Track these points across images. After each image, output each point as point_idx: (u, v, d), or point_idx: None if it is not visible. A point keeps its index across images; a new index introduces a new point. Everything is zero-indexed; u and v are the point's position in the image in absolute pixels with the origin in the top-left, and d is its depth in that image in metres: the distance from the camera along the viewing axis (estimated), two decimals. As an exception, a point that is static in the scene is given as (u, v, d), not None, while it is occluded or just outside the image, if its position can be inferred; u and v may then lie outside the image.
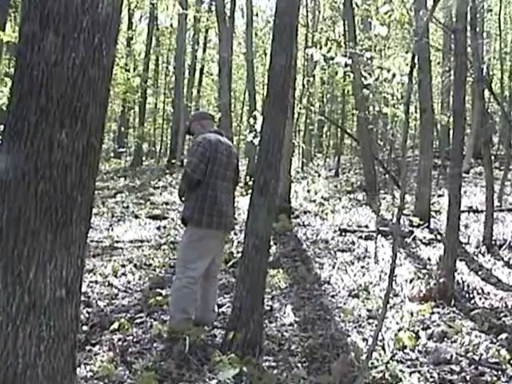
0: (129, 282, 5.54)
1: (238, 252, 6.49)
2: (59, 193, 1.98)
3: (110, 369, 3.22)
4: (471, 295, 5.14)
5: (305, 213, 10.51)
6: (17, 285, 1.94)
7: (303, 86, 17.14)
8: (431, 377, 3.28)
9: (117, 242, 7.61)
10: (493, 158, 9.86)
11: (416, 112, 13.01)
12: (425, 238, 7.74)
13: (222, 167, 4.05)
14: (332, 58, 7.46)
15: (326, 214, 10.15)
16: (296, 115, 14.44)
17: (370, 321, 4.42)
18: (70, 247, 2.03)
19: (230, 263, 6.25)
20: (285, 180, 9.38)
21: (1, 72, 13.10)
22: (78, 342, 2.45)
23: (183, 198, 4.14)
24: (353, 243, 7.70)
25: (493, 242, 7.08)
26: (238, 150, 20.24)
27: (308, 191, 13.21)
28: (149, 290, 5.16)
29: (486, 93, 11.16)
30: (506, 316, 4.49)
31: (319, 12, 20.75)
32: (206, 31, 24.97)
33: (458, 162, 5.43)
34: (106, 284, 5.41)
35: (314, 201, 11.93)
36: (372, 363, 3.30)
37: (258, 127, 8.28)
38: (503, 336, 3.91)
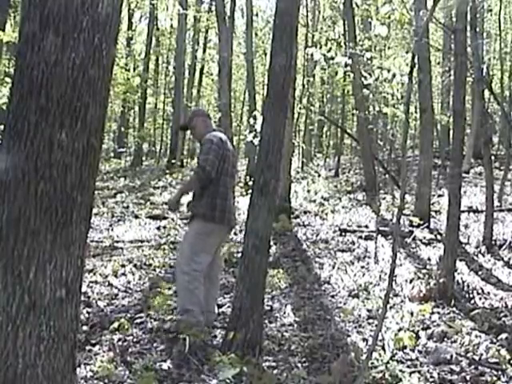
0: (129, 282, 5.54)
1: (238, 252, 6.48)
2: (59, 193, 1.98)
3: (109, 369, 3.22)
4: (471, 295, 5.14)
5: (305, 213, 10.51)
6: (17, 285, 1.94)
7: (303, 85, 17.14)
8: (431, 377, 3.28)
9: (117, 242, 7.61)
10: (493, 158, 9.86)
11: (416, 112, 13.03)
12: (425, 238, 7.74)
13: (230, 165, 4.16)
14: (332, 58, 7.46)
15: (326, 214, 10.16)
16: (296, 115, 14.44)
17: (370, 321, 4.42)
18: (70, 247, 2.03)
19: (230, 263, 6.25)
20: (285, 180, 9.38)
21: (1, 72, 13.10)
22: (78, 342, 2.45)
23: (187, 199, 4.14)
24: (353, 243, 7.70)
25: (493, 242, 7.08)
26: (238, 150, 20.26)
27: (308, 191, 13.22)
28: (149, 290, 5.16)
29: (486, 93, 11.16)
30: (505, 316, 4.48)
31: (319, 12, 20.74)
32: (206, 31, 24.97)
33: (458, 161, 5.43)
34: (106, 284, 5.41)
35: (314, 201, 11.93)
36: (372, 363, 3.29)
37: (257, 127, 8.28)
38: (503, 336, 3.91)
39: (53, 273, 1.98)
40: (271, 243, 4.26)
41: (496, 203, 8.49)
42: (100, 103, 2.08)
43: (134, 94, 21.64)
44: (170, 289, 4.75)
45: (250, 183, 6.71)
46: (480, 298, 5.08)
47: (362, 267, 6.37)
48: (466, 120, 14.70)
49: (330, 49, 7.23)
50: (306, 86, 17.30)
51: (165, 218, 9.78)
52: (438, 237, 7.75)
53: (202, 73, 25.81)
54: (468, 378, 3.26)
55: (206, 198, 4.00)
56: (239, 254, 4.51)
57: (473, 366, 3.43)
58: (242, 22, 23.21)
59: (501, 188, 10.16)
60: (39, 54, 1.95)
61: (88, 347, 3.67)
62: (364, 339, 3.99)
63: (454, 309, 4.68)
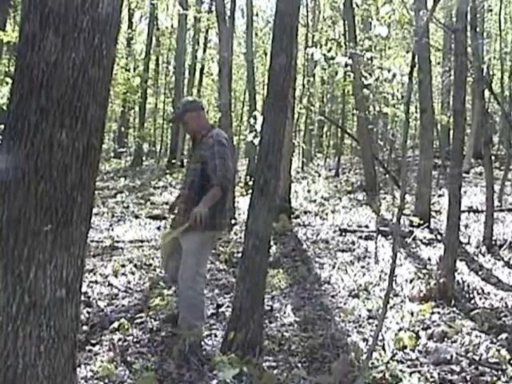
0: (129, 282, 5.54)
1: (238, 252, 6.48)
2: (59, 193, 1.98)
3: (110, 369, 3.22)
4: (471, 295, 5.14)
5: (305, 213, 10.51)
6: (17, 285, 1.94)
7: (303, 85, 17.14)
8: (431, 377, 3.28)
9: (117, 242, 7.60)
10: (493, 158, 9.86)
11: (416, 112, 13.01)
12: (425, 237, 7.74)
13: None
14: (332, 58, 7.45)
15: (326, 214, 10.15)
16: (296, 115, 14.45)
17: (370, 321, 4.42)
18: (70, 247, 2.03)
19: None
20: (285, 180, 9.38)
21: (1, 72, 13.10)
22: (78, 342, 2.45)
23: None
24: (353, 243, 7.70)
25: (493, 242, 7.08)
26: (238, 149, 20.23)
27: (308, 191, 13.22)
28: (149, 290, 5.16)
29: (486, 93, 11.15)
30: (506, 316, 4.48)
31: (319, 12, 20.75)
32: (206, 31, 24.95)
33: (458, 161, 5.43)
34: (106, 284, 5.41)
35: (314, 201, 11.93)
36: (372, 363, 3.29)
37: (258, 127, 8.27)
38: (503, 336, 3.91)
39: (53, 273, 1.98)
40: (271, 243, 4.26)
41: (496, 203, 8.49)
42: (100, 103, 2.08)
43: (134, 94, 21.65)
44: (170, 288, 4.75)
45: (250, 183, 6.71)
46: (480, 298, 5.08)
47: (362, 267, 6.37)
48: (466, 120, 14.70)
49: (330, 49, 7.23)
50: (306, 86, 17.30)
51: (165, 218, 9.77)
52: (438, 237, 7.75)
53: (202, 73, 25.79)
54: (468, 378, 3.26)
55: (215, 206, 3.70)
56: (239, 254, 4.51)
57: (473, 366, 3.43)
58: (243, 22, 23.22)
59: (501, 188, 10.16)
60: (39, 54, 1.95)
61: (88, 347, 3.68)
62: (364, 339, 3.99)
63: (454, 309, 4.68)
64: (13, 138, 1.98)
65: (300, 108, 16.37)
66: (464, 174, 9.98)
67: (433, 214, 8.99)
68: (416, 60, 4.25)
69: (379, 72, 7.89)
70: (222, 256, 6.64)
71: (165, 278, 4.09)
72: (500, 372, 3.34)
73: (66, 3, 1.96)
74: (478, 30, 9.23)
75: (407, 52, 12.04)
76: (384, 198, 11.40)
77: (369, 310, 4.65)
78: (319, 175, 16.40)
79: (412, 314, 4.47)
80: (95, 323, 4.17)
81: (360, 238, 7.99)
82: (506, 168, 11.11)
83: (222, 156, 3.68)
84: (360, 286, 5.44)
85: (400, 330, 4.04)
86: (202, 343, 3.72)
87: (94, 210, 8.04)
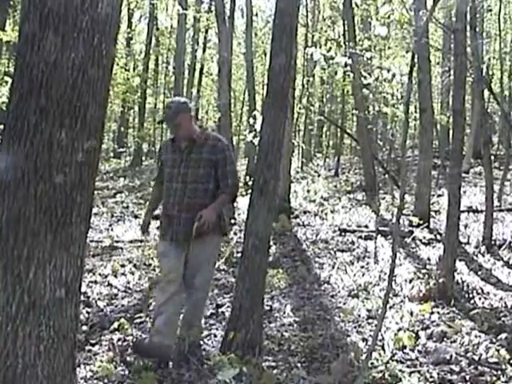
0: (128, 282, 5.54)
1: (237, 252, 6.48)
2: (59, 193, 1.98)
3: (109, 369, 3.22)
4: (471, 295, 5.14)
5: (304, 213, 10.51)
6: (16, 285, 1.94)
7: (303, 85, 17.14)
8: (431, 377, 3.28)
9: (116, 241, 7.60)
10: (492, 157, 9.87)
11: (416, 112, 13.01)
12: (424, 237, 7.74)
13: None
14: (332, 58, 7.46)
15: (326, 214, 10.15)
16: (296, 115, 14.43)
17: (370, 321, 4.42)
18: (70, 247, 2.03)
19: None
20: (284, 180, 9.38)
21: (0, 71, 13.09)
22: (78, 341, 2.45)
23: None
24: (352, 243, 7.70)
25: (492, 242, 7.08)
26: (237, 149, 20.24)
27: (308, 191, 13.21)
28: (149, 290, 5.16)
29: (486, 93, 11.16)
30: (505, 316, 4.49)
31: (319, 12, 20.75)
32: (206, 31, 24.93)
33: (458, 161, 5.43)
34: (106, 284, 5.41)
35: (314, 201, 11.93)
36: (372, 363, 3.29)
37: (257, 127, 8.28)
38: (503, 336, 3.91)
39: (52, 273, 1.98)
40: (271, 243, 4.26)
41: (496, 203, 8.49)
42: (100, 103, 2.08)
43: (134, 94, 21.63)
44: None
45: (250, 183, 6.71)
46: (480, 298, 5.08)
47: (362, 267, 6.37)
48: (466, 120, 14.68)
49: (330, 49, 7.25)
50: (306, 86, 17.30)
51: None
52: (438, 237, 7.75)
53: (201, 73, 25.77)
54: (468, 377, 3.26)
55: (221, 214, 3.62)
56: (239, 254, 4.51)
57: (472, 366, 3.43)
58: (242, 21, 23.20)
59: (500, 188, 10.16)
60: (39, 54, 1.95)
61: (88, 347, 3.68)
62: (364, 339, 3.99)
63: (454, 309, 4.69)
64: (12, 138, 1.98)
65: (299, 108, 16.37)
66: (463, 174, 9.97)
67: (432, 213, 8.99)
68: (415, 60, 4.25)
69: (379, 72, 7.90)
70: (221, 256, 6.64)
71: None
72: (499, 372, 3.34)
73: (66, 3, 1.96)
74: (477, 29, 9.23)
75: (407, 52, 12.06)
76: (383, 198, 11.40)
77: (368, 310, 4.65)
78: (319, 175, 16.40)
79: (411, 313, 4.47)
80: (95, 323, 4.18)
81: (359, 237, 7.99)
82: (505, 168, 11.12)
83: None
84: (359, 285, 5.45)
85: (399, 329, 4.04)
86: (202, 343, 3.72)
87: (94, 210, 8.03)
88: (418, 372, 3.32)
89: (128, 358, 3.48)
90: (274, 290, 5.33)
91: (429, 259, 6.67)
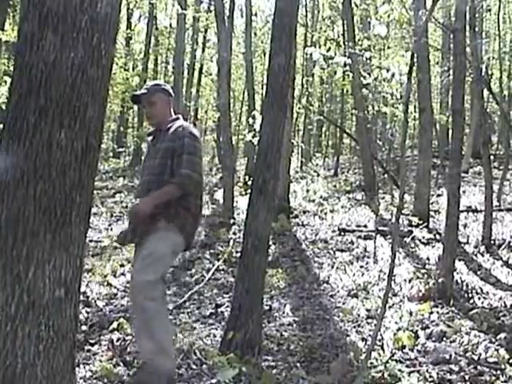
0: (128, 282, 5.53)
1: (237, 252, 6.48)
2: (58, 193, 1.98)
3: (109, 368, 3.22)
4: (470, 295, 5.14)
5: (304, 212, 10.51)
6: (16, 284, 1.94)
7: (302, 85, 17.14)
8: (430, 376, 3.28)
9: (116, 241, 7.59)
10: (492, 157, 9.88)
11: (415, 112, 13.02)
12: (424, 237, 7.74)
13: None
14: (331, 58, 7.47)
15: (325, 214, 10.16)
16: (295, 115, 14.42)
17: (369, 320, 4.42)
18: (69, 247, 2.03)
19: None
20: (284, 180, 9.38)
21: (0, 71, 13.08)
22: (77, 341, 2.45)
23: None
24: (352, 243, 7.70)
25: (492, 242, 7.09)
26: (237, 149, 20.23)
27: (307, 191, 13.21)
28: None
29: (485, 92, 11.16)
30: (504, 316, 4.49)
31: (318, 11, 20.74)
32: (205, 31, 24.93)
33: (457, 161, 5.43)
34: (105, 284, 5.41)
35: (313, 200, 11.93)
36: (371, 363, 3.30)
37: (257, 127, 8.28)
38: (502, 335, 3.91)
39: (52, 272, 1.98)
40: (270, 243, 4.26)
41: (495, 203, 8.50)
42: (99, 103, 2.07)
43: (133, 94, 21.58)
44: (169, 288, 4.75)
45: (249, 183, 6.71)
46: (479, 298, 5.08)
47: (361, 267, 6.37)
48: (465, 120, 14.70)
49: (329, 48, 7.25)
50: (305, 86, 17.30)
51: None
52: (437, 236, 7.76)
53: (201, 72, 25.76)
54: (467, 377, 3.26)
55: (178, 207, 3.08)
56: (238, 254, 4.51)
57: (472, 366, 3.43)
58: (242, 21, 23.20)
59: (500, 188, 10.17)
60: (38, 54, 1.95)
61: (87, 347, 3.67)
62: (363, 339, 3.99)
63: (453, 308, 4.69)
64: (12, 138, 1.98)
65: (299, 108, 16.36)
66: (463, 174, 9.97)
67: (432, 213, 9.00)
68: (415, 59, 4.25)
69: (378, 71, 7.90)
70: (220, 255, 6.64)
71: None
72: (499, 371, 3.34)
73: (65, 3, 1.96)
74: (476, 29, 9.23)
75: (406, 51, 12.03)
76: (383, 198, 11.41)
77: (368, 310, 4.66)
78: (318, 175, 16.40)
79: (411, 313, 4.47)
80: (94, 323, 4.17)
81: (359, 237, 7.99)
82: (504, 168, 11.12)
83: (192, 152, 3.07)
84: (359, 285, 5.45)
85: (399, 329, 4.04)
86: (202, 343, 3.71)
87: (93, 210, 8.03)
88: (418, 372, 3.32)
89: (127, 358, 3.48)
90: (273, 289, 5.33)
91: (428, 259, 6.67)
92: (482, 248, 6.97)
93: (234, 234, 8.01)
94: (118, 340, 3.78)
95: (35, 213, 1.95)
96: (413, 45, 9.33)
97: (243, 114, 23.18)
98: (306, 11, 18.30)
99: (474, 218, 8.99)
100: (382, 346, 3.71)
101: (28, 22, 1.97)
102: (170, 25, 24.20)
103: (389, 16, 6.55)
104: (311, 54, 7.14)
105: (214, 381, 3.14)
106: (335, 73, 11.50)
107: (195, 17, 20.08)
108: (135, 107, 25.91)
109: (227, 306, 4.60)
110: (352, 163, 19.67)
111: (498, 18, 13.82)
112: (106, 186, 15.11)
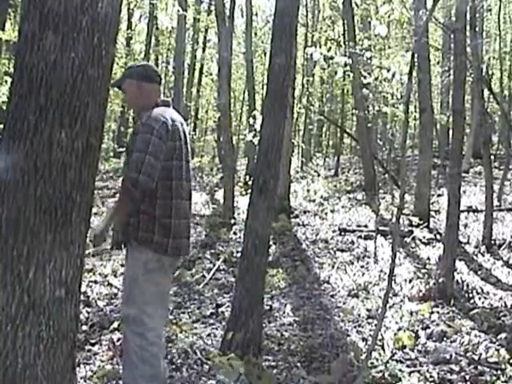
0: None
1: (237, 252, 6.48)
2: (58, 193, 1.98)
3: (109, 368, 3.22)
4: (471, 295, 5.14)
5: (304, 212, 10.51)
6: (16, 284, 1.94)
7: (303, 85, 17.13)
8: (431, 376, 3.28)
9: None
10: (492, 157, 9.87)
11: (415, 111, 13.01)
12: (424, 237, 7.74)
13: (183, 160, 2.79)
14: (331, 58, 7.47)
15: (326, 214, 10.15)
16: (295, 115, 14.44)
17: (370, 320, 4.42)
18: (70, 247, 2.02)
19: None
20: (284, 180, 9.37)
21: (0, 71, 13.09)
22: (78, 341, 2.45)
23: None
24: (352, 243, 7.70)
25: (492, 242, 7.09)
26: (237, 149, 20.23)
27: (307, 191, 13.21)
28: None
29: (486, 92, 11.16)
30: (505, 316, 4.49)
31: (319, 11, 20.74)
32: (206, 31, 24.93)
33: (458, 161, 5.43)
34: (106, 284, 5.41)
35: (314, 200, 11.93)
36: (371, 363, 3.30)
37: (257, 127, 8.28)
38: (502, 335, 3.91)
39: (52, 272, 1.98)
40: (271, 243, 4.26)
41: (495, 203, 8.50)
42: (99, 103, 2.07)
43: (134, 94, 21.58)
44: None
45: (250, 183, 6.71)
46: (479, 298, 5.08)
47: (362, 267, 6.37)
48: (466, 120, 14.69)
49: (330, 48, 7.25)
50: (306, 86, 17.30)
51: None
52: (438, 236, 7.76)
53: (201, 72, 25.78)
54: (467, 377, 3.26)
55: (151, 218, 2.68)
56: (238, 254, 4.51)
57: (472, 366, 3.43)
58: (242, 21, 23.20)
59: (500, 187, 10.16)
60: (38, 54, 1.95)
61: (87, 347, 3.68)
62: (363, 339, 3.99)
63: (454, 308, 4.69)
64: (12, 138, 1.97)
65: (299, 108, 16.37)
66: (463, 174, 9.97)
67: (432, 213, 8.99)
68: (415, 59, 4.25)
69: (378, 71, 7.90)
70: (221, 255, 6.64)
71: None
72: (499, 371, 3.34)
73: (66, 3, 1.96)
74: (477, 29, 9.23)
75: (406, 51, 12.04)
76: (383, 198, 11.40)
77: (368, 310, 4.66)
78: (318, 175, 16.40)
79: (411, 313, 4.47)
80: (94, 323, 4.17)
81: (359, 237, 7.99)
82: (505, 167, 11.12)
83: (142, 150, 2.58)
84: (359, 285, 5.45)
85: (399, 329, 4.04)
86: (202, 343, 3.72)
87: (94, 210, 8.02)
88: (418, 372, 3.32)
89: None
90: (273, 289, 5.33)
91: (428, 259, 6.67)
92: (483, 248, 6.97)
93: (235, 233, 8.01)
94: (118, 340, 3.78)
95: (36, 213, 1.95)
96: (413, 45, 9.33)
97: (244, 114, 23.18)
98: (307, 11, 18.29)
99: (474, 217, 8.98)
100: (382, 346, 3.71)
101: (28, 22, 1.97)
102: (171, 25, 24.21)
103: (389, 16, 6.55)
104: (312, 54, 7.14)
105: (214, 381, 3.14)
106: (336, 73, 11.49)
107: (195, 17, 20.10)
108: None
109: (228, 306, 4.60)
110: (352, 163, 19.66)
111: (499, 18, 13.82)
112: (106, 186, 15.10)
